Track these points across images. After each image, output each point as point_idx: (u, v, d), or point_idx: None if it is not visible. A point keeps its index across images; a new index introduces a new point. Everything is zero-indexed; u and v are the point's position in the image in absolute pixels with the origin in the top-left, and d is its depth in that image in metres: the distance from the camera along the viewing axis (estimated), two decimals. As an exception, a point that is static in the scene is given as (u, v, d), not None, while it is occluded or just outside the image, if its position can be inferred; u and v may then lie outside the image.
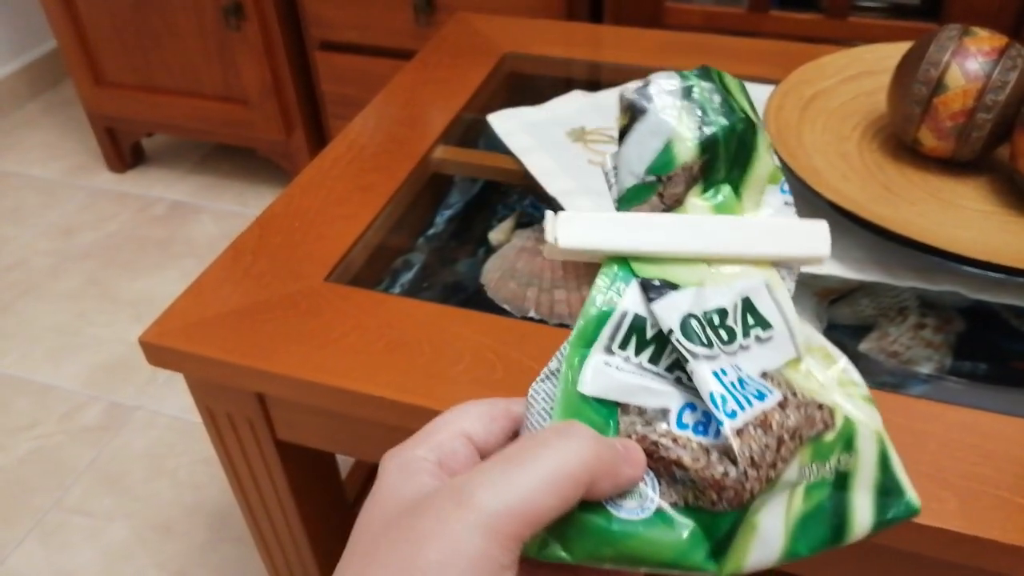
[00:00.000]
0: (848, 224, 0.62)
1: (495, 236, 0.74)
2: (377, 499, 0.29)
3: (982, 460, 0.49)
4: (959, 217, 0.65)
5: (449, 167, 0.81)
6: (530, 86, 0.97)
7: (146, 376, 1.43)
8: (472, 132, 0.86)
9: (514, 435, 0.32)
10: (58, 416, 1.38)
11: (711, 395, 0.29)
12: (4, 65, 2.19)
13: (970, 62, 0.64)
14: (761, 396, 0.30)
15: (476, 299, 0.67)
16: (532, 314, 0.64)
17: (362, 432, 0.63)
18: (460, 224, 0.77)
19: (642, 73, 0.33)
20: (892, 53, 0.74)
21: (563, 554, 0.28)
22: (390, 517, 0.27)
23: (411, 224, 0.76)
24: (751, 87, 0.85)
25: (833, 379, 0.32)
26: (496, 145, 0.81)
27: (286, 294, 0.63)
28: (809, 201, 0.66)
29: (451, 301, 0.64)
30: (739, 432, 0.28)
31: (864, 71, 0.80)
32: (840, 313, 0.65)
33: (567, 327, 0.61)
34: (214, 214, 1.82)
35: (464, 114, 0.86)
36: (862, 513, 0.31)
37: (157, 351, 0.60)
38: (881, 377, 0.57)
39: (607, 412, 0.30)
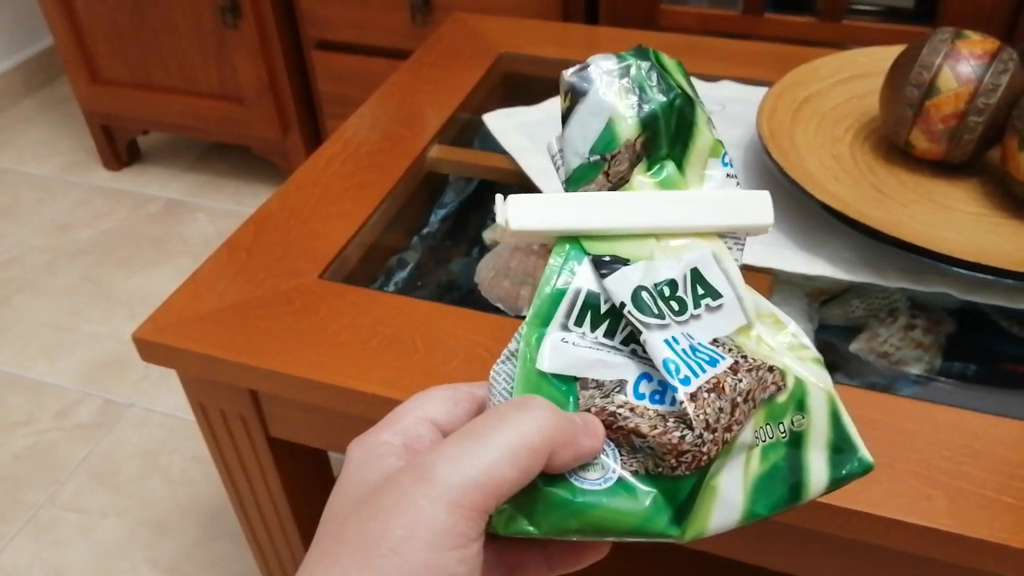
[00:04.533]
0: (839, 225, 0.62)
1: (489, 235, 0.74)
2: (343, 484, 0.29)
3: (970, 460, 0.49)
4: (950, 219, 0.66)
5: (444, 166, 0.82)
6: (525, 86, 0.97)
7: (140, 373, 1.43)
8: (467, 132, 0.86)
9: None
10: (52, 413, 1.38)
11: (664, 362, 0.29)
12: (0, 62, 2.19)
13: (962, 65, 0.65)
14: (713, 362, 0.30)
15: (470, 298, 0.67)
16: (525, 313, 0.64)
17: (355, 429, 0.62)
18: (454, 223, 0.77)
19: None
20: (885, 56, 0.74)
21: (530, 528, 0.29)
22: (356, 499, 0.28)
23: (406, 223, 0.76)
24: (745, 89, 0.86)
25: (783, 344, 0.33)
26: (491, 145, 0.81)
27: (280, 291, 0.63)
28: (801, 202, 0.66)
29: (445, 299, 0.64)
30: (693, 396, 0.29)
31: (857, 74, 0.80)
32: (831, 314, 0.65)
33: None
34: (209, 212, 1.82)
35: (459, 114, 0.87)
36: (817, 471, 0.32)
37: (151, 347, 0.60)
38: (871, 377, 0.58)
39: (566, 388, 0.31)
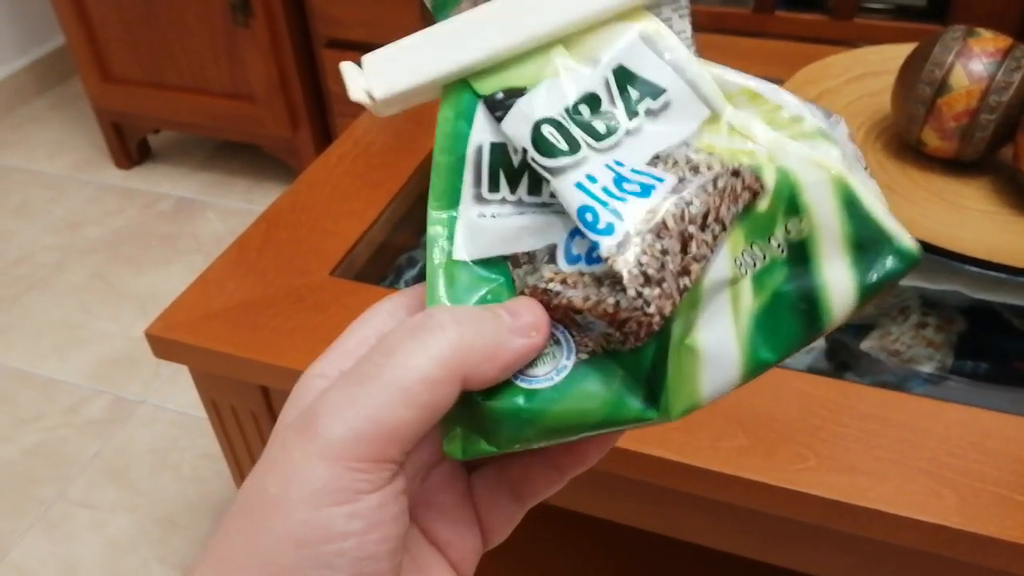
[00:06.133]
0: (851, 223, 0.62)
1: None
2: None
3: (982, 458, 0.49)
4: (961, 217, 0.66)
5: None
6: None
7: (151, 371, 1.44)
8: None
9: None
10: (63, 409, 1.39)
11: (580, 212, 0.23)
12: (12, 61, 2.20)
13: (974, 63, 0.65)
14: (647, 190, 0.23)
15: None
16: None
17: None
18: (464, 221, 0.78)
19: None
20: (896, 54, 0.74)
21: (490, 448, 0.24)
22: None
23: (415, 221, 0.76)
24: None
25: (768, 122, 0.25)
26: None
27: (291, 289, 0.63)
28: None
29: (455, 297, 0.64)
30: (621, 246, 0.22)
31: (869, 72, 0.80)
32: (842, 312, 0.65)
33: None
34: (220, 211, 1.83)
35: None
36: (839, 283, 0.24)
37: (163, 344, 0.61)
38: (882, 375, 0.57)
39: (498, 272, 0.25)
